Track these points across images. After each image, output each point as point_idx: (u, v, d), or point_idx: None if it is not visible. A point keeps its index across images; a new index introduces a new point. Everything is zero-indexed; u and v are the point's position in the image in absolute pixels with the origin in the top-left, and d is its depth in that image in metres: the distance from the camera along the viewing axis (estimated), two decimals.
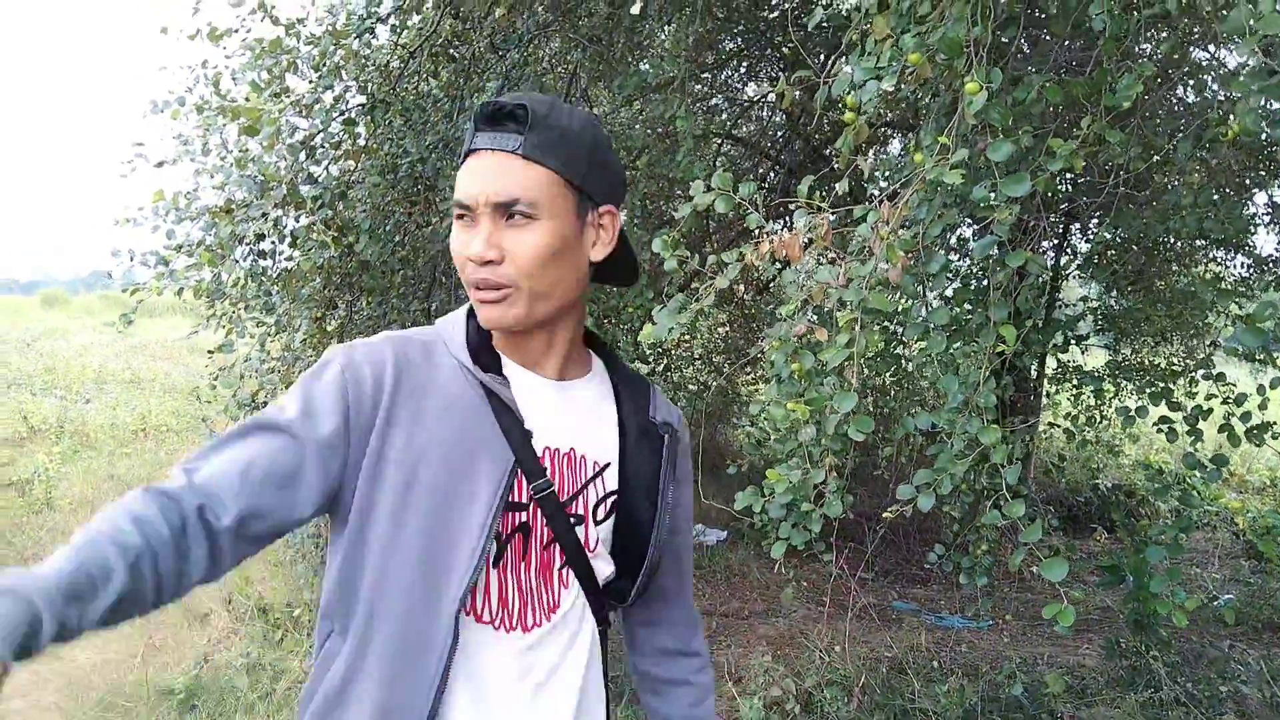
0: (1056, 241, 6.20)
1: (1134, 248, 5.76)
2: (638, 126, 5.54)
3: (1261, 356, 6.35)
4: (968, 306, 2.45)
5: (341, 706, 1.15)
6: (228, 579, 5.38)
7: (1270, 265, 6.03)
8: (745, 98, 7.20)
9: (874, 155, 8.49)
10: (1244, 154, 3.97)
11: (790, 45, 6.65)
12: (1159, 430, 2.51)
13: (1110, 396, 7.38)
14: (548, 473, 1.22)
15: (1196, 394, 2.60)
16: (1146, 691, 3.97)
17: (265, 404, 4.21)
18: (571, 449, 1.26)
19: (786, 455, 2.07)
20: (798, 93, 6.51)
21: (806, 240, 1.93)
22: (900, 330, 2.47)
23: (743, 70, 7.25)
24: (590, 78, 4.83)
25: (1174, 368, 5.74)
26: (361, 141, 3.57)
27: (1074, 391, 6.93)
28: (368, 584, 1.14)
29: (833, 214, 1.76)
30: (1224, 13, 1.59)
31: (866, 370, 2.18)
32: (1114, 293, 6.32)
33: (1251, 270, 6.36)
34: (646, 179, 4.22)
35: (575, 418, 1.28)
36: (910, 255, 1.70)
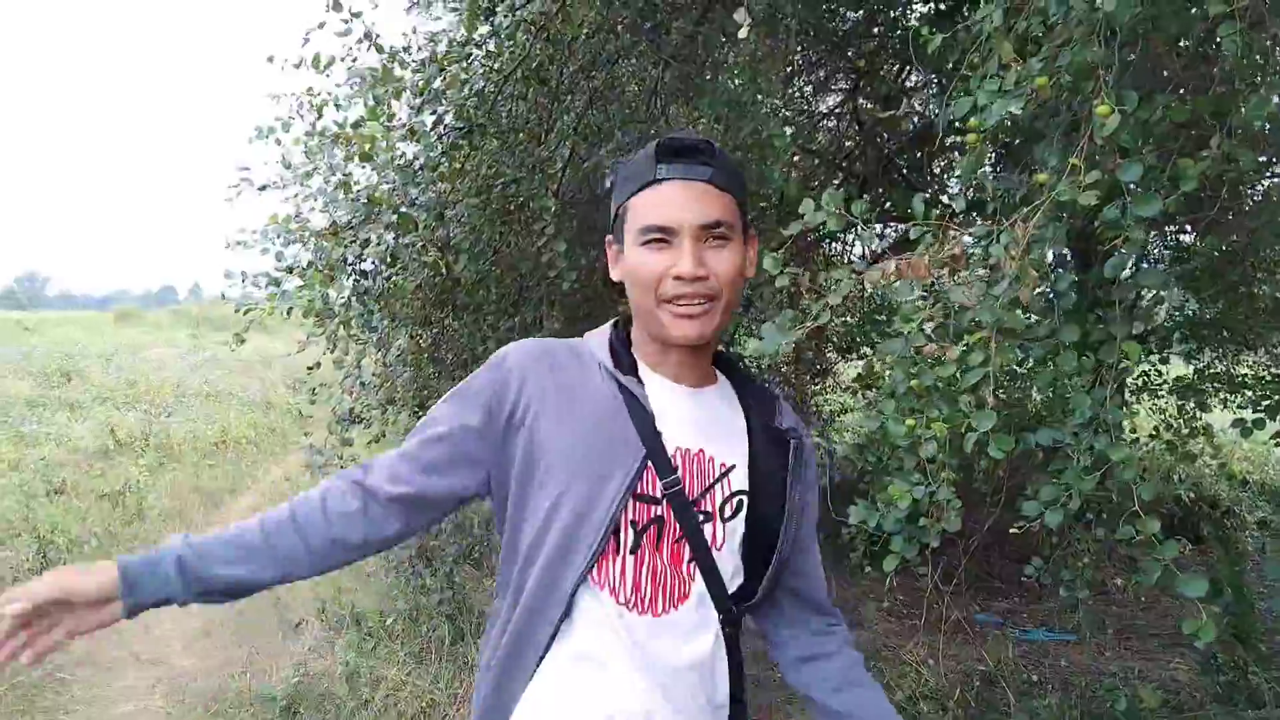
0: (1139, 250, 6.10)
1: (1216, 255, 5.64)
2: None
3: None
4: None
5: (492, 652, 1.35)
6: (320, 588, 5.53)
7: None
8: (817, 110, 7.22)
9: (939, 169, 8.43)
10: None
11: (863, 58, 6.68)
12: (1277, 444, 2.49)
13: (1194, 407, 7.24)
14: (678, 471, 1.32)
15: None
16: (1251, 710, 3.89)
17: (362, 419, 4.34)
18: (701, 450, 1.36)
19: (908, 470, 2.10)
20: (870, 104, 6.46)
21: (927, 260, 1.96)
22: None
23: (812, 82, 7.28)
24: (669, 95, 4.90)
25: (1267, 377, 5.61)
26: (458, 164, 3.66)
27: (1158, 402, 6.81)
28: (523, 554, 1.31)
29: (962, 233, 1.79)
30: None
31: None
32: (1198, 301, 6.19)
33: None
34: None
35: (706, 422, 1.39)
36: (1040, 275, 1.72)
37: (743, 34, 2.57)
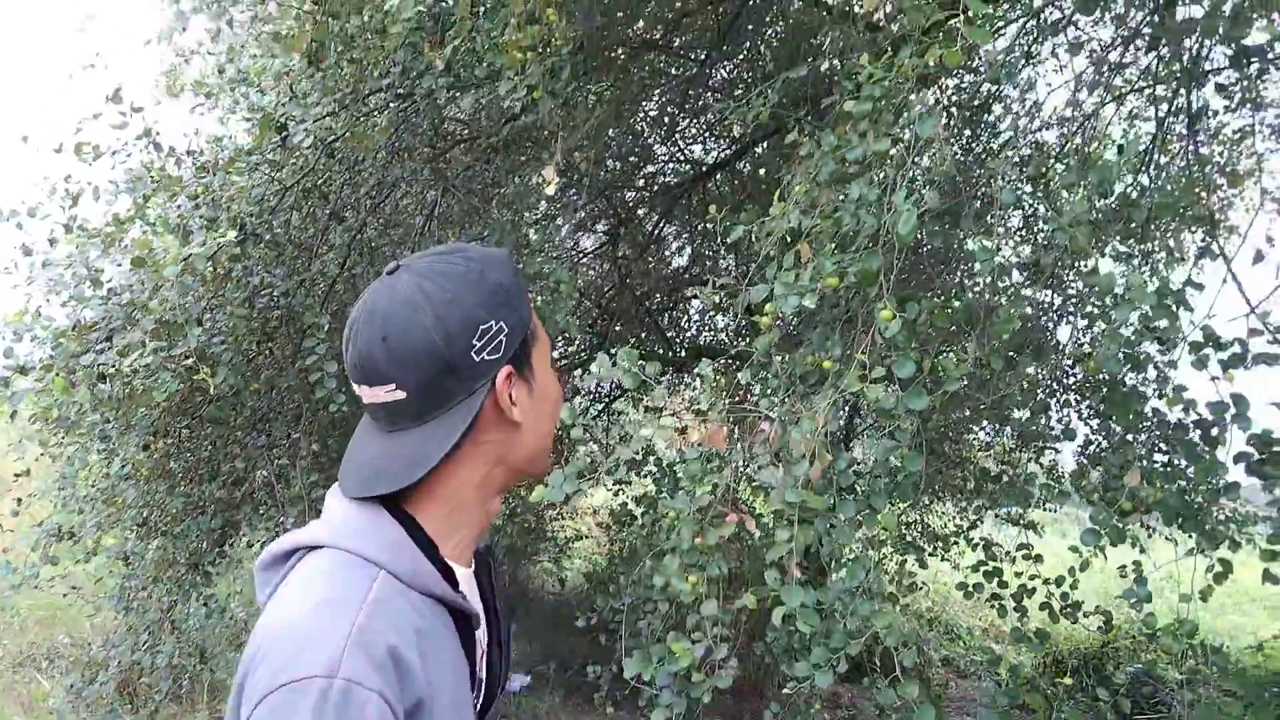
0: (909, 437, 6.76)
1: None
2: None
3: (1023, 522, 7.18)
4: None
5: None
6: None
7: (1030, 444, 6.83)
8: (579, 249, 7.53)
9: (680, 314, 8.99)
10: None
11: (624, 206, 7.10)
12: (991, 605, 2.82)
13: (893, 555, 8.03)
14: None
15: (1018, 566, 2.95)
16: None
17: (71, 534, 3.90)
18: (483, 637, 1.19)
19: (691, 628, 2.18)
20: (626, 250, 6.79)
21: (713, 431, 2.10)
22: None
23: (574, 222, 7.60)
24: (444, 220, 4.96)
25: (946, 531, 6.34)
26: (222, 269, 3.49)
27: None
28: None
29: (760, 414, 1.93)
30: (1087, 269, 1.93)
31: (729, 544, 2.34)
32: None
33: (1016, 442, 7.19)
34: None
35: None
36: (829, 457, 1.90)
37: (549, 190, 2.69)
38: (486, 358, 1.06)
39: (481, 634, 1.15)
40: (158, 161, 3.19)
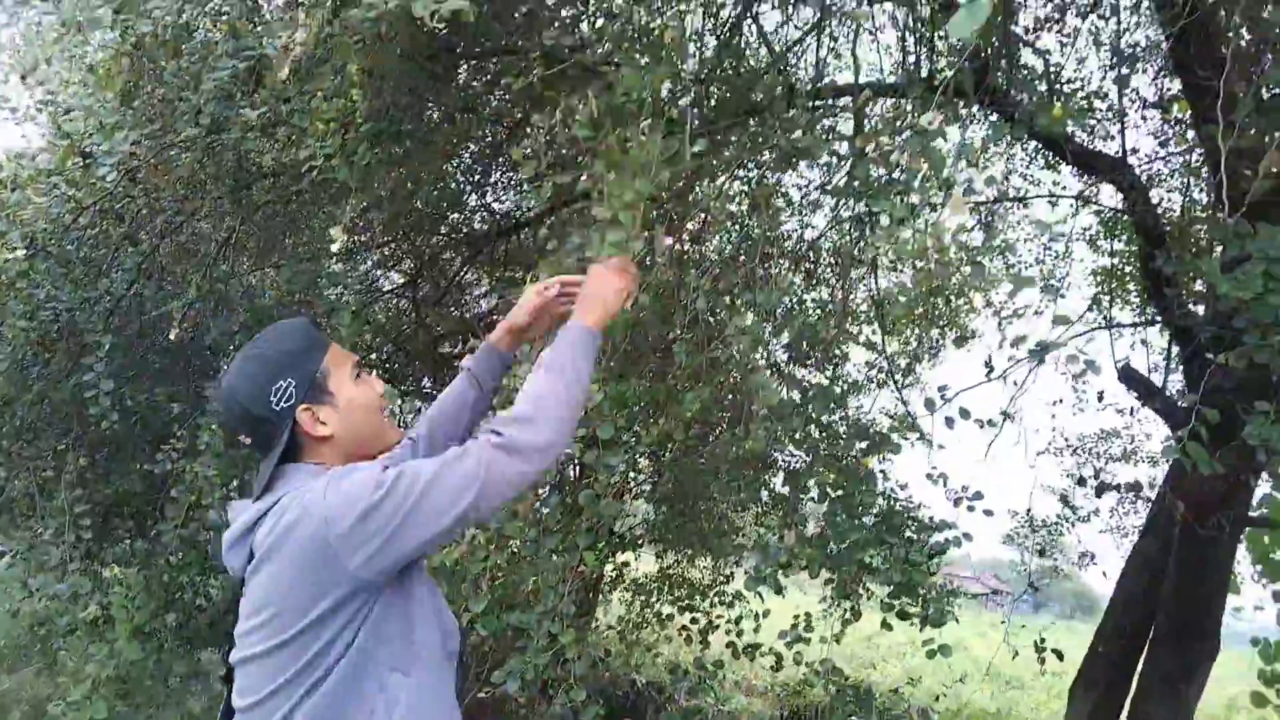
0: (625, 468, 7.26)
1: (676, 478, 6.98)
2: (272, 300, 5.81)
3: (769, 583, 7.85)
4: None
5: None
6: None
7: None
8: (377, 288, 7.74)
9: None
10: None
11: (428, 249, 7.40)
12: (681, 635, 3.33)
13: (654, 601, 8.54)
14: None
15: (723, 612, 3.45)
16: None
17: None
18: None
19: None
20: (426, 291, 7.04)
21: None
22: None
23: (377, 259, 7.81)
24: (238, 250, 5.12)
25: (704, 583, 6.90)
26: (6, 281, 3.60)
27: (625, 594, 7.90)
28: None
29: None
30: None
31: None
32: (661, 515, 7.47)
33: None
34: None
35: None
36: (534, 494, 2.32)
37: (335, 247, 3.02)
38: (284, 405, 1.58)
39: None
40: None
